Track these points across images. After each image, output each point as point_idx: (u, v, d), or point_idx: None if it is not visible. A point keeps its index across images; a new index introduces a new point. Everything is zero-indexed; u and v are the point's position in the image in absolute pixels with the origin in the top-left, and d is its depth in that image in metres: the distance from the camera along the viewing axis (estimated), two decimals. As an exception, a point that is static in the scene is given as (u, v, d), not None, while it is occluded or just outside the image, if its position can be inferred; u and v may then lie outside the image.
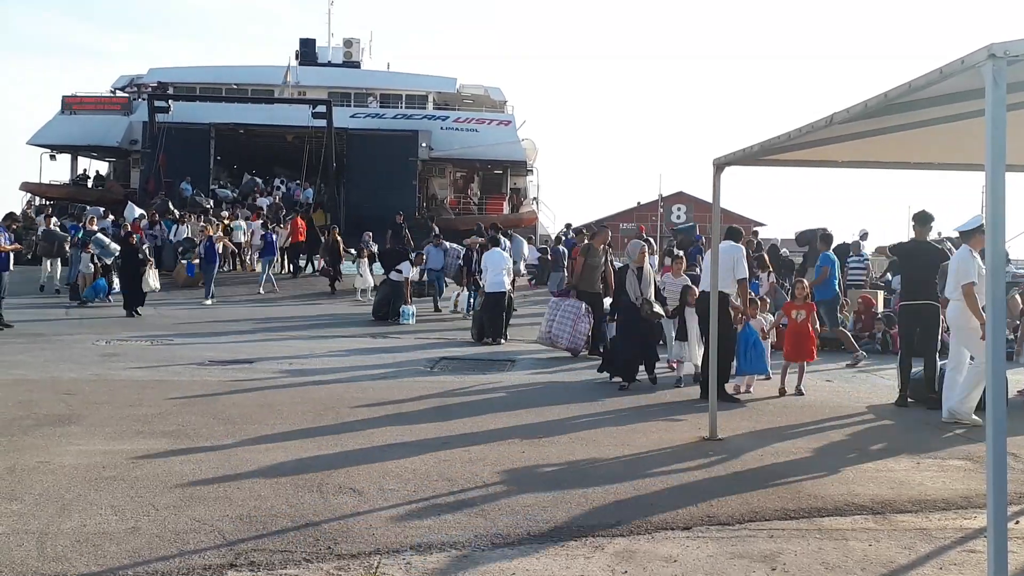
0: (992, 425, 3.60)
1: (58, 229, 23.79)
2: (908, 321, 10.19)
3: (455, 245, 21.83)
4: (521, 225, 37.71)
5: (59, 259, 22.87)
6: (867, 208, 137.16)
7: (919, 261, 10.06)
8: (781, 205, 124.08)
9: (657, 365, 11.20)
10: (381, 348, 14.34)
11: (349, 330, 16.94)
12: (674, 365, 11.50)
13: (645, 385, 10.84)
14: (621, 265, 12.26)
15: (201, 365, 11.98)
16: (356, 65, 43.11)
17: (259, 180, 37.16)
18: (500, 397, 10.13)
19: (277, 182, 38.06)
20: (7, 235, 16.64)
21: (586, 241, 14.41)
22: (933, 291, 9.94)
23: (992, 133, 3.60)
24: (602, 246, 13.74)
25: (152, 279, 20.10)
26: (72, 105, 39.65)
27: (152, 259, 21.41)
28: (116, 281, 20.61)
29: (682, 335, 11.14)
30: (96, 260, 21.26)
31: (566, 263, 20.04)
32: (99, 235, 22.01)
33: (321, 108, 34.74)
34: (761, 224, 58.55)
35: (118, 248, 21.16)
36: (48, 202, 37.80)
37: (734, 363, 10.41)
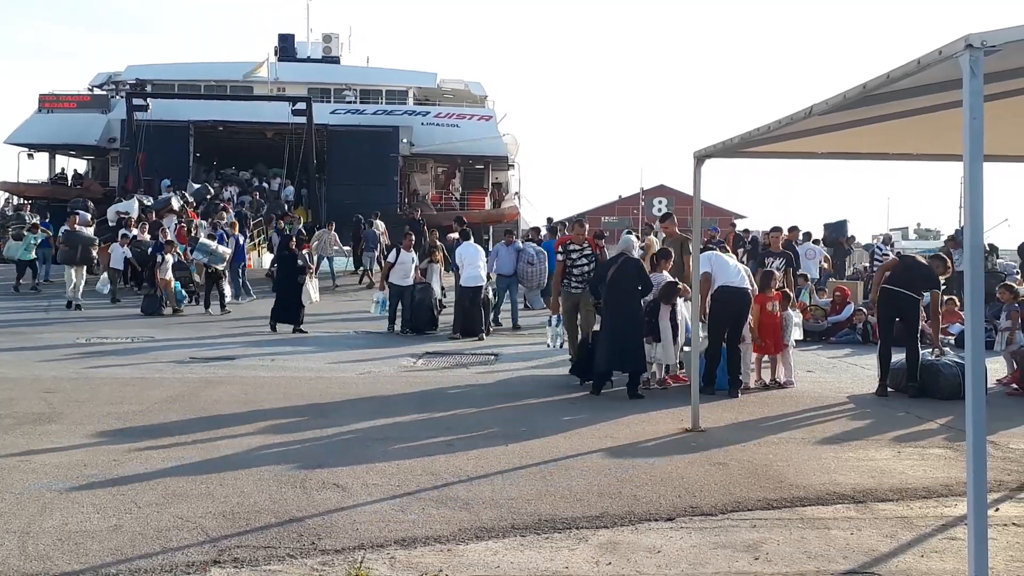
0: (972, 414, 3.64)
1: (83, 230, 20.21)
2: (887, 309, 10.21)
3: (532, 244, 17.34)
4: (503, 220, 37.63)
5: (84, 267, 19.32)
6: (847, 199, 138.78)
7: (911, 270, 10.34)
8: (762, 197, 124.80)
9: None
10: (365, 344, 14.31)
11: (336, 326, 16.87)
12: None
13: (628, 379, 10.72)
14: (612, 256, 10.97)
15: (183, 363, 11.91)
16: (336, 60, 42.93)
17: (211, 187, 35.49)
18: (483, 392, 10.12)
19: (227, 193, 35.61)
20: None
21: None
22: (918, 285, 10.08)
23: (970, 123, 3.62)
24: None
25: (312, 290, 16.90)
26: (49, 103, 39.27)
27: (313, 267, 18.38)
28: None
29: (655, 335, 10.18)
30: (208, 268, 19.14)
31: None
32: (204, 240, 19.90)
33: (301, 105, 34.52)
34: (742, 216, 59.11)
35: (228, 251, 19.75)
36: (27, 201, 37.44)
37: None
